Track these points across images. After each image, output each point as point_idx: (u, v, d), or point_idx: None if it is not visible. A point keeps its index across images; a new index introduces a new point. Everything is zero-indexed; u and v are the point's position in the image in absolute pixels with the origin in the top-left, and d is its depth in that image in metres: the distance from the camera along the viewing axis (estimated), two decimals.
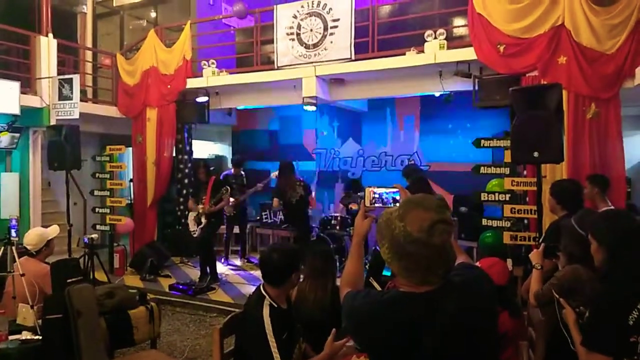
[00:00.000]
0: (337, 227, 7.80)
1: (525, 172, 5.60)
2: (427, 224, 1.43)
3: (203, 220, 7.08)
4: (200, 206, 7.14)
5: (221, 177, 7.93)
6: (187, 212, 8.54)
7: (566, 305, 2.47)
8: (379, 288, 3.37)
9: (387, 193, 1.92)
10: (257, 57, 7.89)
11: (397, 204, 1.80)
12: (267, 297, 2.66)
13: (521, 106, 4.32)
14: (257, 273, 7.78)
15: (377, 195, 1.91)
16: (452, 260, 1.51)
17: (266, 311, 2.59)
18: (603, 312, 2.13)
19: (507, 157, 5.22)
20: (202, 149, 10.16)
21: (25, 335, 3.37)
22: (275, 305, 2.65)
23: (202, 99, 8.06)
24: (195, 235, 7.23)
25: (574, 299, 2.50)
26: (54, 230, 4.29)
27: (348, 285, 1.86)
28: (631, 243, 2.23)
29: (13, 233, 3.94)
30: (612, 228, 2.33)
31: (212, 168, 8.01)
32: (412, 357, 1.45)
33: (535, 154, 4.16)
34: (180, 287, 6.71)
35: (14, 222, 4.01)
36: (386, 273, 7.37)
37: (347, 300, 1.65)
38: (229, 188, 7.20)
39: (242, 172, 8.40)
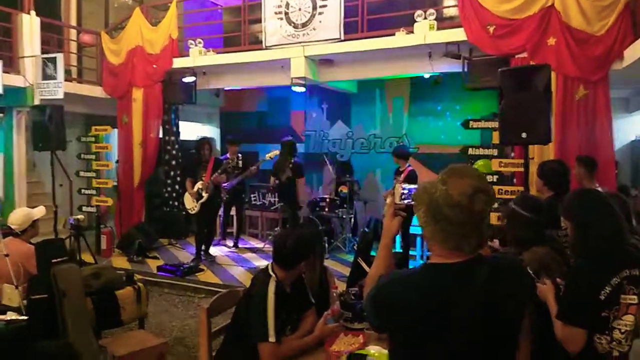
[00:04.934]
0: (326, 209, 7.81)
1: (513, 154, 5.62)
2: (470, 190, 1.43)
3: (204, 194, 7.04)
4: (200, 182, 7.09)
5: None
6: (175, 194, 8.50)
7: (546, 280, 2.48)
8: (367, 269, 3.37)
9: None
10: (245, 37, 7.77)
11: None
12: (274, 276, 2.68)
13: (509, 87, 4.32)
14: (247, 255, 7.82)
15: (406, 192, 1.82)
16: (486, 234, 1.51)
17: (272, 286, 2.61)
18: (577, 288, 2.17)
19: (495, 138, 5.22)
20: (190, 131, 10.05)
21: (10, 315, 3.32)
22: (280, 286, 2.67)
23: (188, 79, 7.94)
24: (194, 212, 7.18)
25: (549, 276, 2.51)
26: (39, 211, 4.23)
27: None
28: (595, 218, 2.25)
29: None
30: (577, 205, 2.36)
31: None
32: (439, 331, 1.43)
33: (523, 135, 4.17)
34: (169, 268, 6.70)
35: None
36: (374, 254, 7.39)
37: (370, 290, 1.58)
38: (230, 160, 7.36)
39: (239, 155, 7.89)
